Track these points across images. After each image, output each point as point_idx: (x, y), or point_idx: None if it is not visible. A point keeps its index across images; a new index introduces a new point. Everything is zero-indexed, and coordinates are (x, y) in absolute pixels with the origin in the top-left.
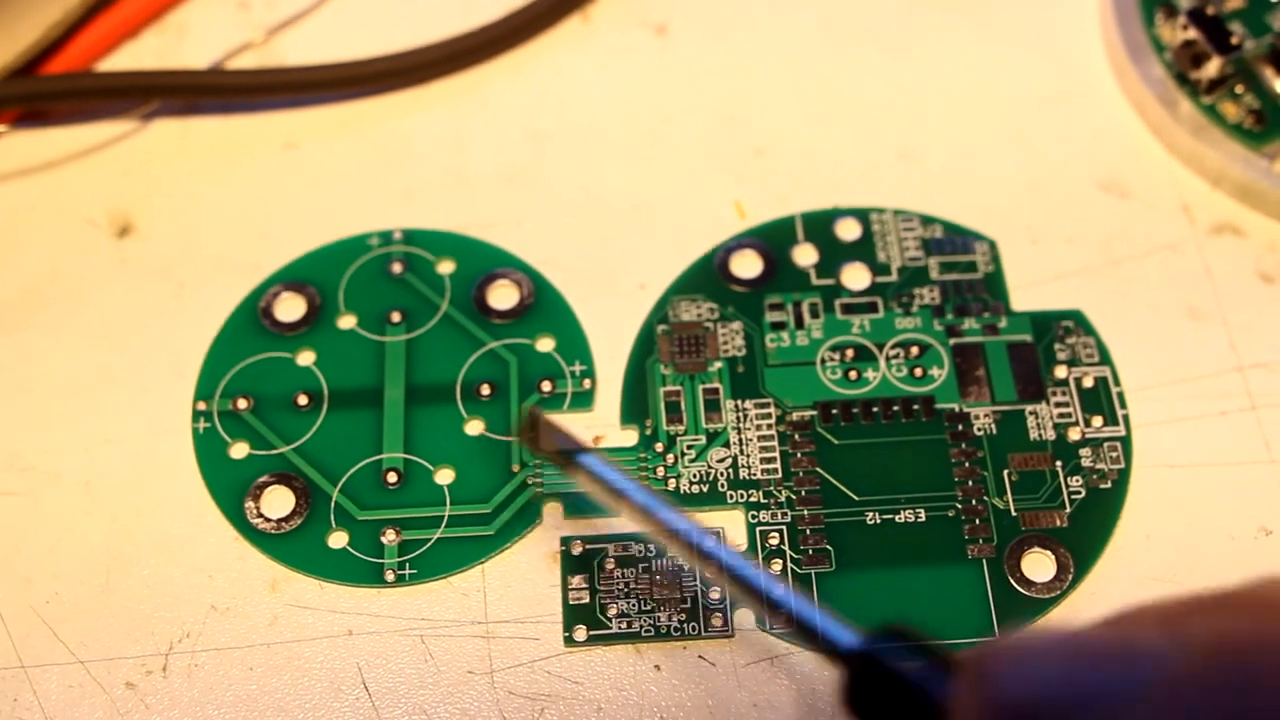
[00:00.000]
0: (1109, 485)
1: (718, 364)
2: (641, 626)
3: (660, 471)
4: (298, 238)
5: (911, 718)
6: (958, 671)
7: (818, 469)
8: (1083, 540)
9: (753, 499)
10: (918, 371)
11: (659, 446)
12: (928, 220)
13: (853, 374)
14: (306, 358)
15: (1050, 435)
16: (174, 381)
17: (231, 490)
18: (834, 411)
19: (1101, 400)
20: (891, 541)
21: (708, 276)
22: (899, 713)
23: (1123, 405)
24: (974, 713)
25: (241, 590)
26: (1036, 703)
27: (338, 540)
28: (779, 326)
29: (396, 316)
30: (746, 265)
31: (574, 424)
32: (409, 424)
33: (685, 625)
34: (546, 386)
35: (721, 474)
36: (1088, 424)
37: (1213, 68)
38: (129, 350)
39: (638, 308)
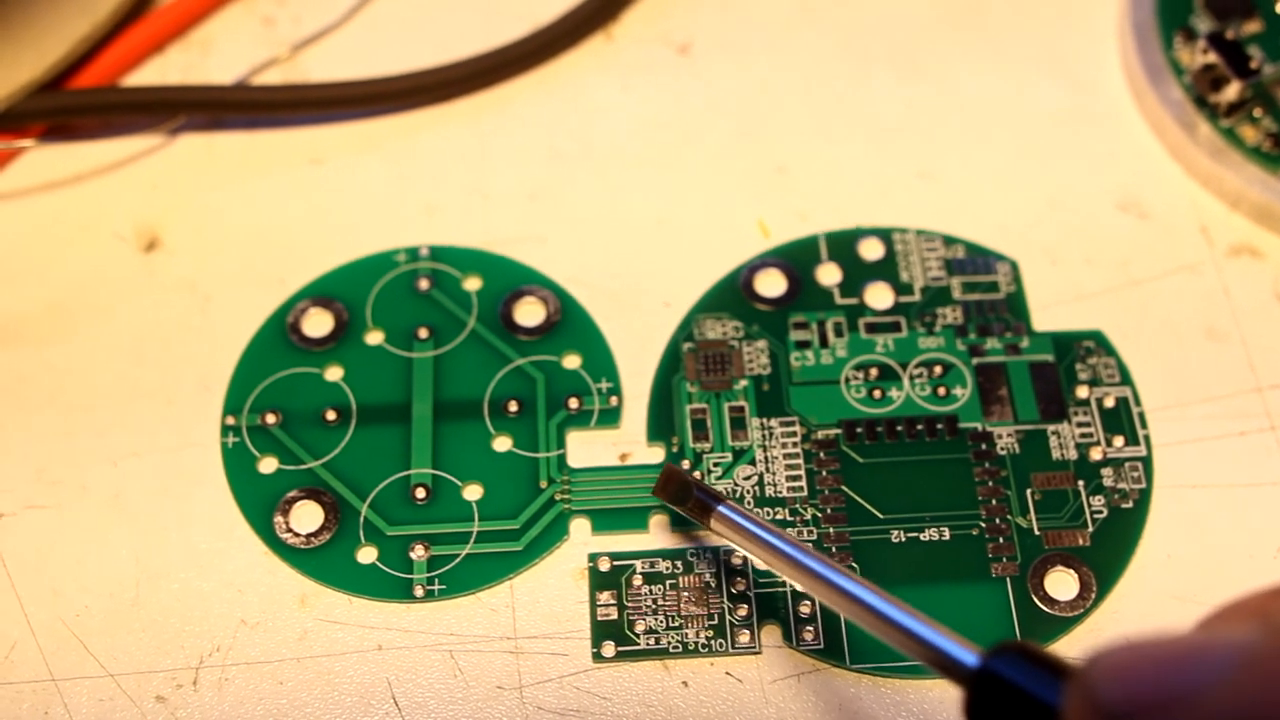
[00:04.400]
0: (1130, 505)
1: (743, 382)
2: (669, 643)
3: None
4: (324, 253)
5: None
6: (1070, 682)
7: (843, 487)
8: (1105, 559)
9: (778, 516)
10: (941, 391)
11: (685, 464)
12: (950, 241)
13: (877, 393)
14: (334, 373)
15: (1072, 455)
16: (202, 396)
17: (260, 505)
18: (858, 430)
19: (1123, 420)
20: (916, 559)
21: (732, 295)
22: None
23: (1143, 425)
24: None
25: (271, 605)
26: (1133, 705)
27: (367, 555)
28: (803, 345)
29: (424, 333)
30: (771, 284)
31: (600, 440)
32: (437, 440)
33: (713, 641)
34: (574, 404)
35: (747, 491)
36: (1109, 444)
37: (1231, 91)
38: (156, 364)
39: (663, 326)
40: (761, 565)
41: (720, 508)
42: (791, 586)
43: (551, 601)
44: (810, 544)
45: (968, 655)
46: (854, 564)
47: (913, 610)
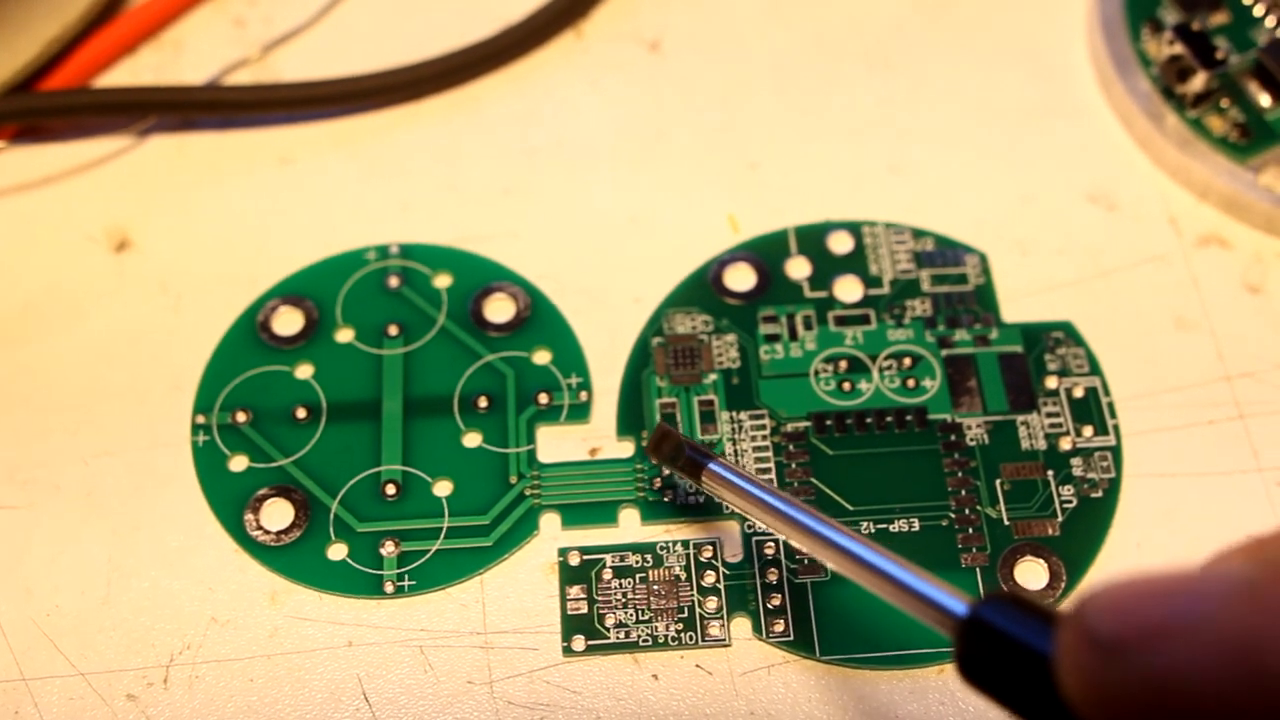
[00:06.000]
0: (1100, 494)
1: (712, 376)
2: (639, 636)
3: (657, 483)
4: (295, 252)
5: (1024, 676)
6: (1061, 624)
7: (812, 479)
8: (1074, 548)
9: None
10: (910, 382)
11: None
12: (919, 233)
13: (846, 385)
14: (305, 371)
15: (1042, 445)
16: (172, 395)
17: (231, 503)
18: (828, 422)
19: (1092, 410)
20: None
21: (702, 289)
22: (1013, 673)
23: (1113, 415)
24: (1074, 652)
25: (241, 602)
26: (1130, 635)
27: (337, 552)
28: (773, 339)
29: (394, 330)
30: (740, 278)
31: (571, 435)
32: (407, 436)
33: (682, 635)
34: (544, 399)
35: None
36: (1078, 434)
37: (1198, 82)
38: (128, 364)
39: (633, 321)
40: (759, 525)
41: (711, 465)
42: (761, 579)
43: (522, 596)
44: (803, 501)
45: (957, 604)
46: None
47: (902, 560)
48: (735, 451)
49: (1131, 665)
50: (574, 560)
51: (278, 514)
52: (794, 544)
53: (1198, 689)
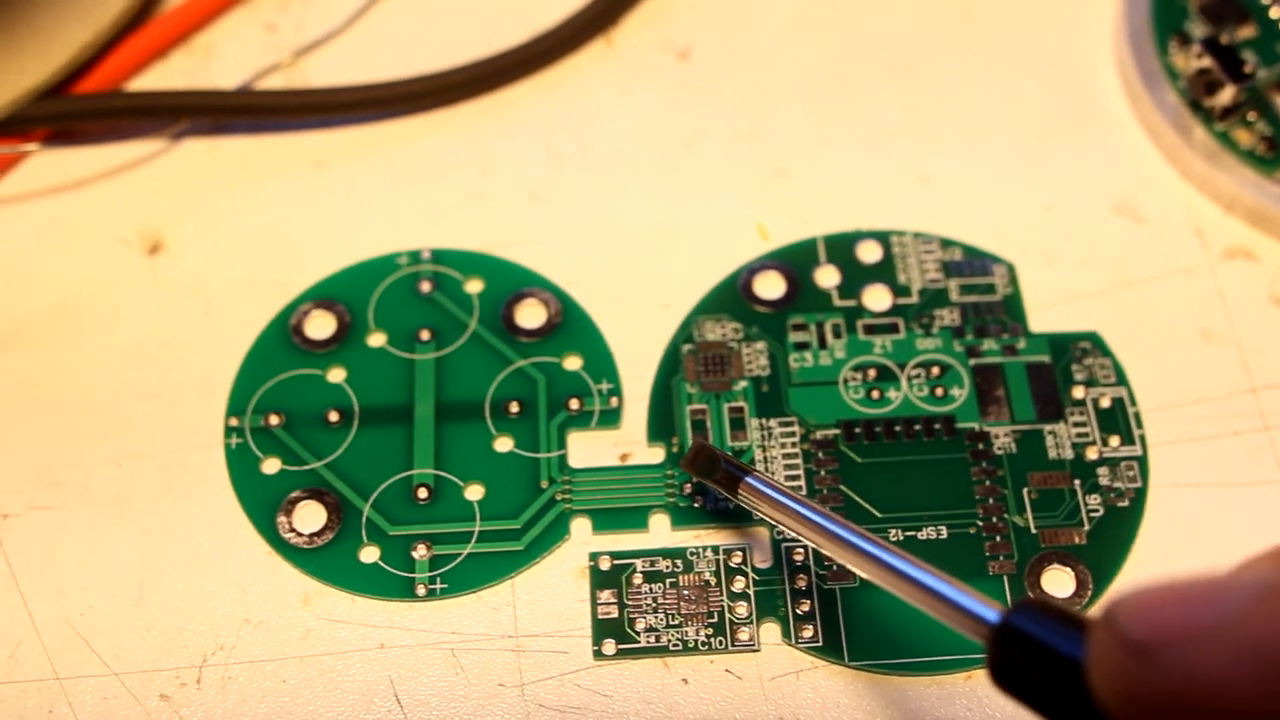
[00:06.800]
0: (1126, 504)
1: (742, 383)
2: (669, 640)
3: (687, 489)
4: (326, 256)
5: (1057, 681)
6: (1092, 628)
7: (841, 487)
8: (1101, 557)
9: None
10: (938, 391)
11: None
12: (947, 243)
13: (875, 393)
14: (337, 375)
15: (1069, 454)
16: (205, 397)
17: (264, 505)
18: (857, 430)
19: (1118, 420)
20: None
21: (732, 297)
22: (1045, 678)
23: (1139, 425)
24: (1105, 656)
25: (274, 604)
26: (1159, 638)
27: (369, 555)
28: (802, 346)
29: (426, 334)
30: (770, 286)
31: (601, 441)
32: (439, 441)
33: (712, 639)
34: (574, 404)
35: None
36: (1105, 443)
37: (1226, 95)
38: (160, 366)
39: (663, 327)
40: (789, 534)
41: (747, 479)
42: (790, 584)
43: (553, 600)
44: (840, 515)
45: (989, 612)
46: None
47: (934, 570)
48: (765, 459)
49: (1162, 667)
50: (605, 565)
51: (310, 517)
52: (829, 555)
53: (1227, 690)
